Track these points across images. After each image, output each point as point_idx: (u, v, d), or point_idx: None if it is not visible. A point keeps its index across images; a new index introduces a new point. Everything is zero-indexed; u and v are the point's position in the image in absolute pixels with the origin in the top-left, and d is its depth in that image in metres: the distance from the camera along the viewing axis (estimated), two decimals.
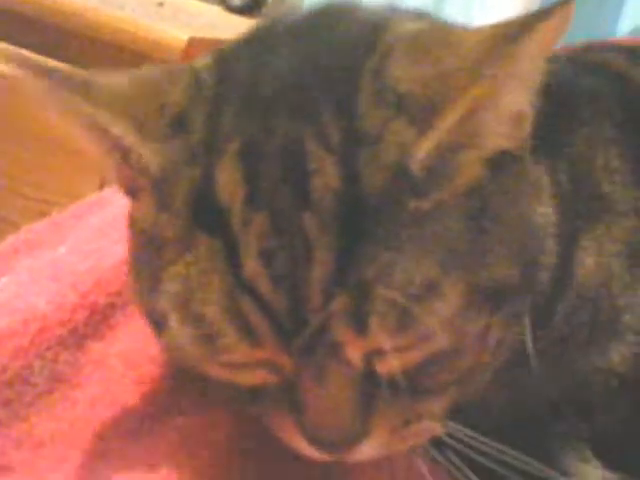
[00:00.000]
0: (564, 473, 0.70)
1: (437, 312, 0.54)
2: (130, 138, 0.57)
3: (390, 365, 0.55)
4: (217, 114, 0.57)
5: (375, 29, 0.60)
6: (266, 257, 0.54)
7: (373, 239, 0.53)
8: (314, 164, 0.54)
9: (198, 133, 0.57)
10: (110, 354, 0.71)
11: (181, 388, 0.68)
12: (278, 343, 0.55)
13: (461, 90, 0.54)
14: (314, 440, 0.57)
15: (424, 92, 0.55)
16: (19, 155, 1.28)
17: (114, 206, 0.84)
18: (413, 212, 0.54)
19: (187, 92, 0.59)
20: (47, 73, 0.57)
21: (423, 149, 0.54)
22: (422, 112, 0.55)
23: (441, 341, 0.55)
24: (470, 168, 0.57)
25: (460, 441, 0.62)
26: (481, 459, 0.63)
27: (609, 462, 0.70)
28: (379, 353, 0.55)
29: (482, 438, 0.62)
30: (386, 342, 0.54)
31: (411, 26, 0.61)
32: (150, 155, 0.57)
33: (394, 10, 0.66)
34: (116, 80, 0.60)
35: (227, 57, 0.62)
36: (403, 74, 0.56)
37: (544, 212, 0.66)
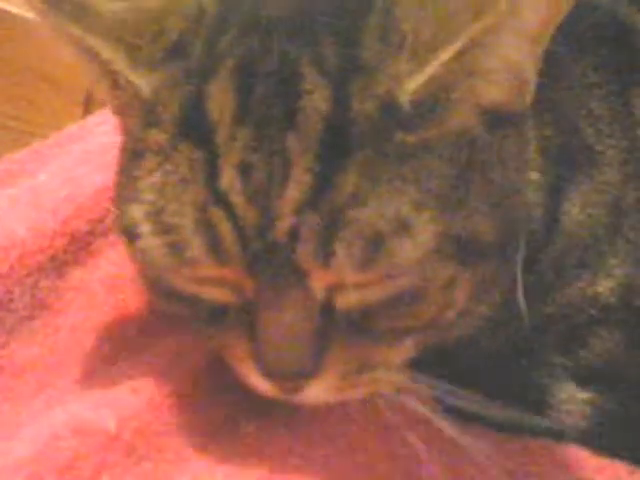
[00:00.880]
0: (552, 406, 0.70)
1: (404, 250, 0.54)
2: (120, 63, 0.57)
3: (349, 300, 0.56)
4: (216, 38, 0.57)
5: None
6: (244, 171, 0.54)
7: (352, 166, 0.53)
8: (306, 85, 0.54)
9: (195, 56, 0.57)
10: (91, 280, 0.71)
11: (158, 313, 0.68)
12: (243, 262, 0.54)
13: (461, 27, 0.54)
14: (265, 370, 0.57)
15: (427, 31, 0.55)
16: (2, 88, 1.27)
17: (96, 135, 0.84)
18: (397, 145, 0.54)
19: (187, 19, 0.59)
20: None
21: (414, 82, 0.54)
22: (422, 49, 0.54)
23: (404, 281, 0.55)
24: (462, 113, 0.56)
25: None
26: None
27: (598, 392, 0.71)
28: (341, 287, 0.55)
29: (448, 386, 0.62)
30: (349, 274, 0.54)
31: None
32: (141, 80, 0.57)
33: None
34: (116, 6, 0.60)
35: None
36: (409, 15, 0.56)
37: (531, 177, 0.66)
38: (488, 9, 0.53)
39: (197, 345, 0.66)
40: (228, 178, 0.54)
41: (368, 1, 0.57)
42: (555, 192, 0.69)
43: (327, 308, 0.56)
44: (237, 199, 0.54)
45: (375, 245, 0.53)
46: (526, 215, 0.64)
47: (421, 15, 0.55)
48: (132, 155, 0.59)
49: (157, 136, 0.56)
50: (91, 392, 0.63)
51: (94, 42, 0.57)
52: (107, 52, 0.57)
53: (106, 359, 0.66)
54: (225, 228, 0.54)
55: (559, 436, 0.70)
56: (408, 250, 0.54)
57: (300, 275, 0.54)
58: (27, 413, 0.63)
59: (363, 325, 0.57)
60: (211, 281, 0.57)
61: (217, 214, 0.54)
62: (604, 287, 0.69)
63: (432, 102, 0.55)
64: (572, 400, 0.70)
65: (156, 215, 0.55)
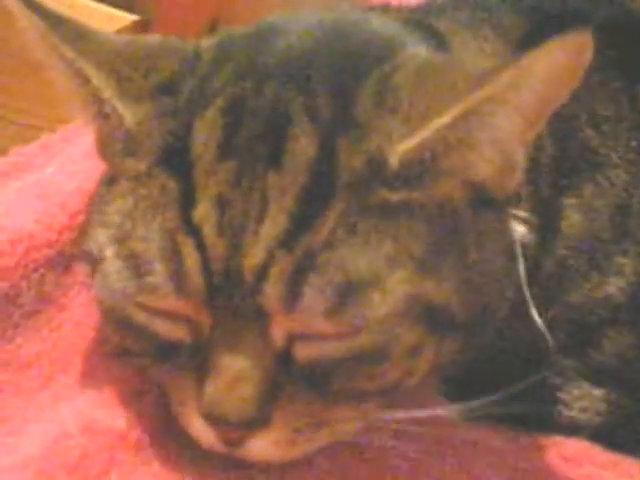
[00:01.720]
0: (566, 403, 0.70)
1: (373, 304, 0.53)
2: (109, 92, 0.58)
3: (309, 352, 0.54)
4: (209, 79, 0.58)
5: (392, 44, 0.61)
6: (221, 204, 0.54)
7: (331, 213, 0.53)
8: (295, 129, 0.55)
9: (186, 94, 0.58)
10: None
11: None
12: (204, 296, 0.54)
13: (459, 95, 0.54)
14: (209, 415, 0.55)
15: (424, 97, 0.55)
16: (8, 83, 1.27)
17: None
18: (379, 201, 0.54)
19: (183, 61, 0.60)
20: (44, 14, 0.59)
21: (406, 144, 0.54)
22: (417, 113, 0.55)
23: (368, 338, 0.54)
24: (449, 183, 0.57)
25: None
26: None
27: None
28: (301, 337, 0.54)
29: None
30: (314, 321, 0.53)
31: (424, 52, 0.62)
32: (126, 110, 0.58)
33: (413, 27, 0.66)
34: (114, 38, 0.62)
35: (233, 37, 0.63)
36: (407, 84, 0.57)
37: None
38: (489, 80, 0.53)
39: None
40: (204, 209, 0.54)
41: (369, 64, 0.58)
42: (550, 205, 0.68)
43: (284, 358, 0.55)
44: (209, 230, 0.53)
45: (344, 294, 0.53)
46: (499, 307, 0.62)
47: (420, 82, 0.56)
48: (108, 181, 0.59)
49: (135, 164, 0.57)
50: (96, 388, 0.62)
51: (87, 68, 0.58)
52: (98, 79, 0.58)
53: (108, 355, 0.65)
54: (192, 258, 0.53)
55: (571, 432, 0.69)
56: (377, 304, 0.53)
57: (262, 318, 0.54)
58: (33, 408, 0.63)
59: (320, 381, 0.55)
60: (167, 314, 0.56)
61: (186, 243, 0.53)
62: (614, 287, 0.69)
63: (421, 167, 0.55)
64: (586, 397, 0.70)
65: (122, 239, 0.55)
